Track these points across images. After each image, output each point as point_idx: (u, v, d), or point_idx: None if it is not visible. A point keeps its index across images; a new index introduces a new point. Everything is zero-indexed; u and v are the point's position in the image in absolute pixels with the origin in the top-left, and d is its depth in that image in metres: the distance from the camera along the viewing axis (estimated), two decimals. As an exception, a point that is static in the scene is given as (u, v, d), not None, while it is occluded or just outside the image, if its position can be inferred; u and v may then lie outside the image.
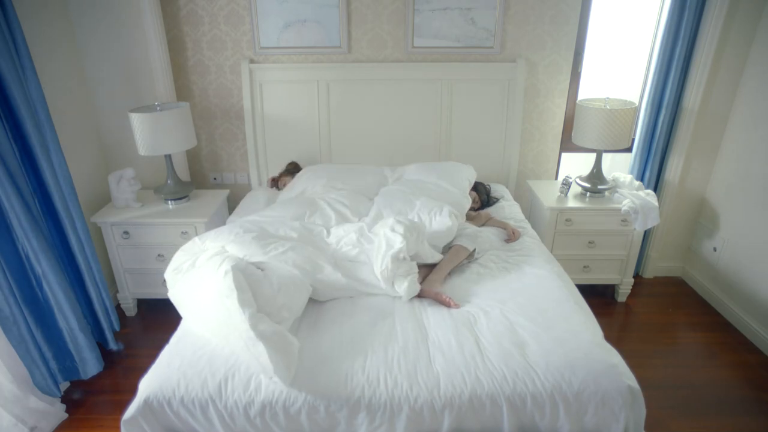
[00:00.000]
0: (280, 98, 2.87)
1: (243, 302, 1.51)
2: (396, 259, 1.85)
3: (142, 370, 1.58)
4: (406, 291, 1.85)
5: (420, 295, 1.90)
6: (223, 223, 2.89)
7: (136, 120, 2.43)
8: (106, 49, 2.65)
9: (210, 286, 1.62)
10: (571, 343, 1.60)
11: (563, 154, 3.13)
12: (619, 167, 3.18)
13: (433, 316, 1.78)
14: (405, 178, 2.66)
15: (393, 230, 1.93)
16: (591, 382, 1.48)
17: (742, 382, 2.32)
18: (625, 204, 2.63)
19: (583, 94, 2.96)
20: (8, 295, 1.90)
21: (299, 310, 1.75)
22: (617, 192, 2.75)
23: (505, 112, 2.90)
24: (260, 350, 1.44)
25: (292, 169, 2.88)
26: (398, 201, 2.36)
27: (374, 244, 1.97)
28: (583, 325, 1.70)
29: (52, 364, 2.12)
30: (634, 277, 2.91)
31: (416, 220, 2.15)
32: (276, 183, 2.89)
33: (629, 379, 1.50)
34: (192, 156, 3.07)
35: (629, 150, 2.96)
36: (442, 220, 2.19)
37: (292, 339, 1.54)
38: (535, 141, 3.04)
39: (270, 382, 1.48)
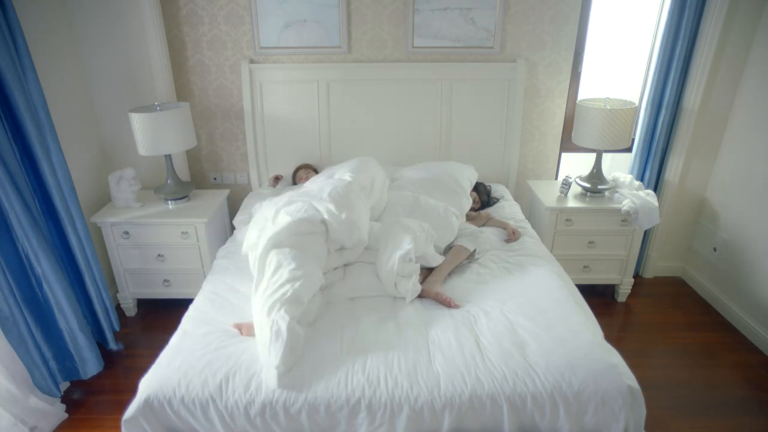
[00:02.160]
0: (280, 98, 2.87)
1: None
2: (403, 260, 1.86)
3: (142, 370, 1.58)
4: (409, 292, 1.85)
5: (420, 296, 1.90)
6: (224, 224, 2.89)
7: (136, 120, 2.43)
8: (106, 49, 2.65)
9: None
10: (571, 343, 1.60)
11: (563, 154, 3.13)
12: (619, 167, 3.18)
13: (433, 316, 1.79)
14: (405, 178, 2.66)
15: (404, 230, 1.94)
16: (591, 382, 1.48)
17: (742, 382, 2.32)
18: (625, 204, 2.63)
19: (583, 94, 2.96)
20: (8, 295, 1.90)
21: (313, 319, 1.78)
22: (617, 192, 2.75)
23: (505, 112, 2.90)
24: (279, 343, 1.48)
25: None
26: (399, 204, 2.35)
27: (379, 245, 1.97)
28: (583, 325, 1.70)
29: (52, 364, 2.12)
30: (634, 277, 2.91)
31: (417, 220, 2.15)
32: (276, 182, 2.90)
33: (629, 379, 1.50)
34: (192, 156, 3.07)
35: (629, 150, 2.96)
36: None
37: (304, 347, 1.57)
38: (535, 141, 3.04)
39: (266, 377, 1.49)
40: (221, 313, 1.80)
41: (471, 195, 2.60)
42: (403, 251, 1.87)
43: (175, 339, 1.68)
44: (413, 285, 1.86)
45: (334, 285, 1.92)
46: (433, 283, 1.96)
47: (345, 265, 2.04)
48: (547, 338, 1.63)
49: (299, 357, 1.55)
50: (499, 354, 1.57)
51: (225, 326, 1.73)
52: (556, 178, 3.17)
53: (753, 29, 2.61)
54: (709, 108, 2.79)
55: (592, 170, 2.78)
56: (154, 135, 2.45)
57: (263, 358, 1.53)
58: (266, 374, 1.50)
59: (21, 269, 1.99)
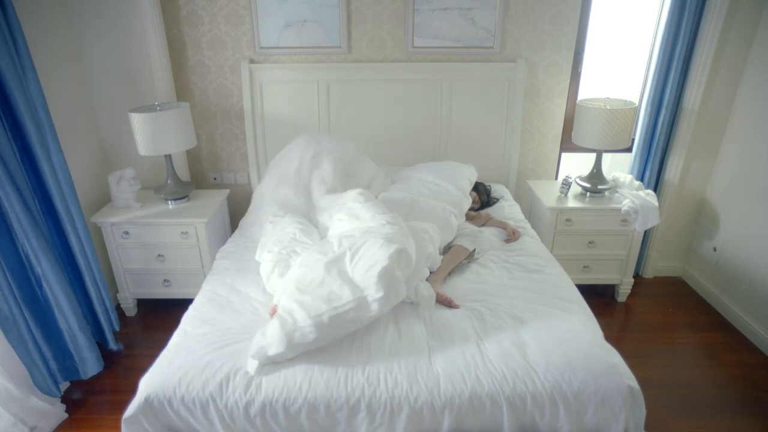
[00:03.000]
0: (280, 98, 2.87)
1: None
2: (427, 263, 1.90)
3: (142, 370, 1.58)
4: (431, 298, 1.84)
5: None
6: (224, 224, 2.89)
7: (136, 120, 2.43)
8: (106, 49, 2.65)
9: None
10: (571, 343, 1.60)
11: (563, 154, 3.13)
12: (619, 167, 3.18)
13: (433, 316, 1.78)
14: (405, 176, 2.66)
15: (423, 231, 1.96)
16: (591, 382, 1.48)
17: (742, 382, 2.32)
18: (625, 204, 2.63)
19: (583, 94, 2.96)
20: (8, 295, 1.90)
21: None
22: (617, 192, 2.75)
23: (505, 112, 2.90)
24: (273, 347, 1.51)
25: None
26: (399, 205, 2.35)
27: None
28: (583, 325, 1.70)
29: (52, 364, 2.12)
30: (634, 277, 2.91)
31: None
32: None
33: (629, 379, 1.50)
34: (192, 156, 3.07)
35: (629, 150, 2.96)
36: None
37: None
38: (535, 141, 3.04)
39: (265, 378, 1.50)
40: (221, 313, 1.80)
41: (471, 195, 2.60)
42: (427, 253, 1.89)
43: (175, 339, 1.69)
44: (427, 288, 1.86)
45: None
46: (433, 283, 1.95)
47: None
48: (547, 338, 1.63)
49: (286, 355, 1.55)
50: (499, 354, 1.57)
51: (225, 326, 1.73)
52: (556, 178, 3.17)
53: (753, 29, 2.61)
54: (709, 108, 2.79)
55: (592, 170, 2.78)
56: (154, 135, 2.45)
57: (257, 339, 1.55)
58: (250, 359, 1.53)
59: (21, 269, 1.99)
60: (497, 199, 2.80)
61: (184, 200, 2.74)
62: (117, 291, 2.77)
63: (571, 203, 2.70)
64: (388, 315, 1.79)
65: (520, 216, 2.63)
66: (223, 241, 2.62)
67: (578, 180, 2.82)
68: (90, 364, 2.22)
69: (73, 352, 2.18)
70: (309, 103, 2.88)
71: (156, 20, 2.58)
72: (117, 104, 2.75)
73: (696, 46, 2.63)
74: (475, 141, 2.96)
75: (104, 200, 2.81)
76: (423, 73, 2.82)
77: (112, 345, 2.44)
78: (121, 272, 2.68)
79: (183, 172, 2.92)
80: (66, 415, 2.11)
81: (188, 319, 1.79)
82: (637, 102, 2.80)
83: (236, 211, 3.18)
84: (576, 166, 3.16)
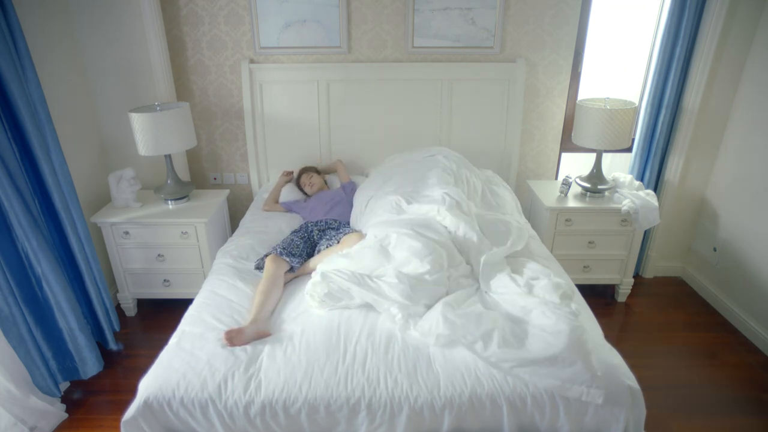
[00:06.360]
0: (280, 98, 2.87)
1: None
2: None
3: (142, 370, 1.58)
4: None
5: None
6: (224, 224, 2.89)
7: (136, 120, 2.43)
8: (106, 49, 2.65)
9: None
10: (571, 343, 1.59)
11: (563, 154, 3.13)
12: (619, 167, 3.18)
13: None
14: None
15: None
16: (591, 382, 1.48)
17: (742, 382, 2.32)
18: (625, 204, 2.63)
19: (583, 94, 2.96)
20: (8, 295, 1.90)
21: None
22: (617, 192, 2.75)
23: (505, 112, 2.90)
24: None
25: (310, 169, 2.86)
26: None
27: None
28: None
29: (52, 364, 2.12)
30: (634, 277, 2.91)
31: None
32: (298, 181, 2.84)
33: (629, 379, 1.50)
34: (192, 156, 3.07)
35: (629, 150, 2.96)
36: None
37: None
38: (535, 141, 3.04)
39: (265, 378, 1.49)
40: (221, 314, 1.80)
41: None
42: None
43: (174, 339, 1.68)
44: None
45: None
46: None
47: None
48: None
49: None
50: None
51: (224, 326, 1.73)
52: (556, 178, 3.17)
53: (753, 29, 2.61)
54: (709, 108, 2.78)
55: (592, 170, 2.78)
56: (154, 135, 2.45)
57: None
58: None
59: (21, 269, 1.99)
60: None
61: (184, 200, 2.74)
62: (117, 291, 2.77)
63: (571, 203, 2.70)
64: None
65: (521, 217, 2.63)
66: (223, 241, 2.62)
67: (578, 180, 2.82)
68: (90, 364, 2.22)
69: (73, 352, 2.18)
70: (309, 103, 2.88)
71: (156, 20, 2.58)
72: (117, 104, 2.75)
73: (696, 46, 2.63)
74: (475, 141, 2.96)
75: (104, 200, 2.81)
76: (423, 73, 2.82)
77: (112, 345, 2.44)
78: (121, 272, 2.68)
79: (183, 172, 2.92)
80: (66, 415, 2.11)
81: (188, 319, 1.79)
82: (637, 102, 2.80)
83: (236, 211, 3.18)
84: (576, 166, 3.16)
